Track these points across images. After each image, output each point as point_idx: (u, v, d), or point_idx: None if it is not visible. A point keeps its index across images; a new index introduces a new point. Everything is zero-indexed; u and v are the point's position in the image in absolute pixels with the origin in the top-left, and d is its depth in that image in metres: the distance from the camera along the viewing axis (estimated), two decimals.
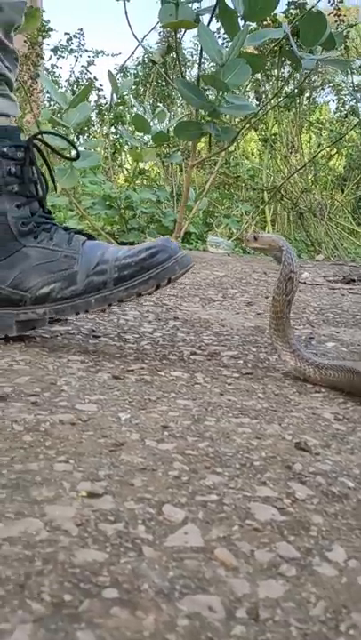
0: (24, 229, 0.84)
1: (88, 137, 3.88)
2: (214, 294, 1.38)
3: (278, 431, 0.59)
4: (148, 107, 2.91)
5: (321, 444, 0.56)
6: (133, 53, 3.77)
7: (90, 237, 0.87)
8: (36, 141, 0.87)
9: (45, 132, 0.90)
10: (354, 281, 1.79)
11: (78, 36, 3.95)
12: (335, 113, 5.21)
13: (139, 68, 4.41)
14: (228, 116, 3.02)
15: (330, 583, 0.36)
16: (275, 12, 2.33)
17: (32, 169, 0.86)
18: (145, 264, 0.79)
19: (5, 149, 0.84)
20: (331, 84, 5.19)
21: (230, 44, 1.98)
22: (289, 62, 3.48)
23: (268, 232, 3.16)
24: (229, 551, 0.38)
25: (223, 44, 2.71)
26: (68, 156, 0.94)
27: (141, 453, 0.51)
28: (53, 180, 0.90)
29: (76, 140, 3.25)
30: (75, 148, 0.91)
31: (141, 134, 2.68)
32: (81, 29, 3.97)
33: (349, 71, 4.05)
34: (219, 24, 2.27)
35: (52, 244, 0.83)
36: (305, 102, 4.39)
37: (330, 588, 0.35)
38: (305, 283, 1.70)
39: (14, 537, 0.38)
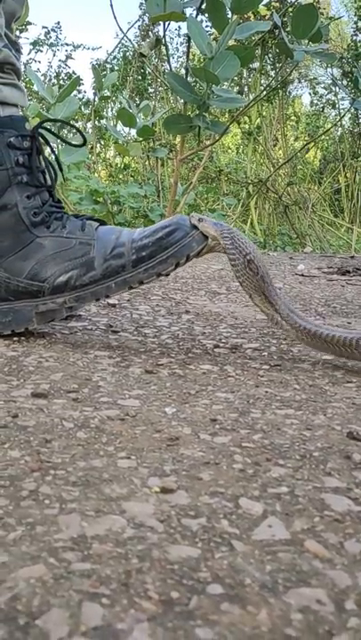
0: (36, 220, 0.83)
1: (70, 131, 3.84)
2: (218, 287, 1.38)
3: (326, 422, 0.58)
4: (133, 102, 2.89)
5: None
6: (118, 47, 3.73)
7: (102, 223, 0.86)
8: (41, 130, 0.85)
9: (50, 121, 0.89)
10: (349, 272, 1.80)
11: (56, 29, 3.91)
12: (311, 107, 5.24)
13: (114, 62, 4.39)
14: (213, 110, 3.01)
15: None
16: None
17: (39, 158, 0.85)
18: (162, 243, 0.78)
19: (12, 139, 0.82)
20: (306, 79, 5.22)
21: (220, 36, 1.98)
22: (273, 55, 3.49)
23: (253, 224, 3.17)
24: (318, 543, 0.38)
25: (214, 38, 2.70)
26: (75, 143, 0.92)
27: (199, 447, 0.51)
28: (61, 169, 0.89)
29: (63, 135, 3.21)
30: (81, 134, 0.90)
31: (127, 129, 2.66)
32: (58, 23, 3.94)
33: (328, 64, 4.07)
34: (201, 17, 2.26)
35: (65, 232, 0.82)
36: (286, 95, 4.41)
37: None
38: (302, 275, 1.70)
39: (102, 535, 0.37)
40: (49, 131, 0.89)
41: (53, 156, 0.94)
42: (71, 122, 3.90)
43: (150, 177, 3.25)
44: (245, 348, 0.85)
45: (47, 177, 0.86)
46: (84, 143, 0.94)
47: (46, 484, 0.43)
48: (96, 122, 3.54)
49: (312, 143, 4.23)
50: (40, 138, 0.85)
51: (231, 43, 2.30)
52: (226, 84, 2.22)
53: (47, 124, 0.86)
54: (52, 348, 0.78)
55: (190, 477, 0.45)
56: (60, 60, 3.92)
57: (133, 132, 2.60)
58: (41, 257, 0.81)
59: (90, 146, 3.52)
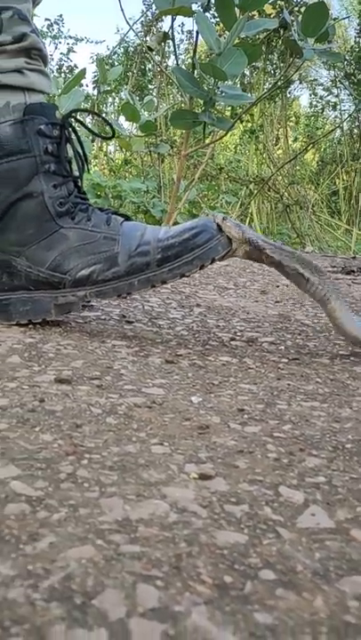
0: (61, 210, 0.81)
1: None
2: (226, 282, 1.37)
3: (353, 415, 0.58)
4: (135, 97, 2.88)
5: None
6: (120, 42, 3.71)
7: (127, 218, 0.85)
8: (70, 120, 0.84)
9: (80, 110, 0.87)
10: (353, 272, 1.80)
11: (58, 22, 3.90)
12: (310, 108, 5.25)
13: (114, 57, 4.37)
14: (218, 107, 3.01)
15: None
16: None
17: (67, 147, 0.84)
18: (189, 244, 0.77)
19: (42, 127, 0.81)
20: (306, 80, 5.22)
21: (228, 33, 1.97)
22: (278, 54, 3.49)
23: (253, 224, 3.17)
24: None
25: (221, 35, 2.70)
26: (103, 134, 0.91)
27: (231, 436, 0.50)
28: (87, 160, 0.88)
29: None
30: (110, 126, 0.89)
31: (129, 123, 2.65)
32: (61, 15, 3.92)
33: (331, 65, 4.08)
34: (207, 14, 2.26)
35: (90, 225, 0.81)
36: (286, 96, 4.41)
37: None
38: None
39: (146, 519, 0.36)
40: (79, 121, 0.87)
41: (80, 147, 0.93)
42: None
43: (151, 172, 3.24)
44: (261, 342, 0.85)
45: (74, 167, 0.85)
46: (113, 135, 0.93)
47: (83, 468, 0.42)
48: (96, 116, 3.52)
49: (311, 144, 4.24)
50: (69, 127, 0.84)
51: (237, 40, 2.30)
52: (230, 81, 2.21)
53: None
54: (68, 337, 0.77)
55: (226, 465, 0.44)
56: (61, 53, 3.91)
57: (135, 127, 2.59)
58: (64, 248, 0.80)
59: (98, 140, 3.51)
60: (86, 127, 0.89)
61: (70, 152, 0.86)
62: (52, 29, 3.78)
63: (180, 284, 1.29)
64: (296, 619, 0.29)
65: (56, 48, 3.93)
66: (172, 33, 2.25)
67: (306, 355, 0.80)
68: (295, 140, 4.96)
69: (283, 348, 0.82)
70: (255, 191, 2.99)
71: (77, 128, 0.94)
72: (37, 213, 0.80)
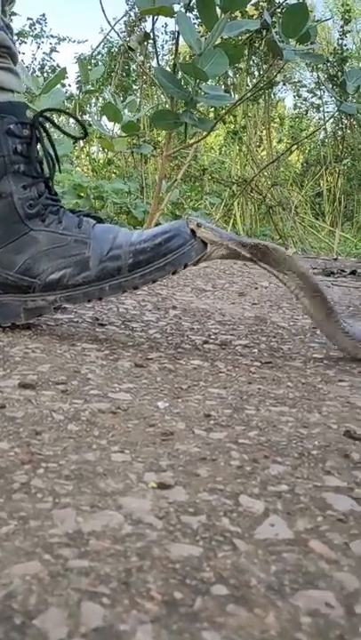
0: (31, 212, 0.80)
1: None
2: (204, 284, 1.36)
3: (322, 420, 0.57)
4: (118, 97, 2.87)
5: None
6: (103, 42, 3.69)
7: (99, 220, 0.84)
8: (41, 119, 0.83)
9: (51, 110, 0.86)
10: (334, 273, 1.80)
11: (41, 21, 3.87)
12: (294, 109, 5.25)
13: (98, 57, 4.35)
14: (201, 108, 3.00)
15: None
16: None
17: (38, 148, 0.82)
18: (161, 249, 0.76)
19: (12, 126, 0.79)
20: (291, 81, 5.23)
21: (209, 33, 1.97)
22: (260, 55, 3.48)
23: (237, 226, 3.16)
24: (323, 543, 0.36)
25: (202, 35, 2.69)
26: (75, 135, 0.89)
27: (195, 443, 0.49)
28: (58, 161, 0.86)
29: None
30: (82, 126, 0.87)
31: (112, 123, 2.64)
32: (44, 15, 3.89)
33: (314, 67, 4.08)
34: (189, 14, 2.25)
35: (60, 228, 0.80)
36: (270, 97, 4.41)
37: None
38: None
39: (98, 531, 0.35)
40: (50, 121, 0.86)
41: (51, 148, 0.91)
42: (53, 116, 3.86)
43: (135, 173, 3.22)
44: (235, 345, 0.84)
45: (45, 168, 0.84)
46: (86, 135, 0.92)
47: (38, 477, 0.41)
48: (79, 116, 3.50)
49: (295, 146, 4.24)
50: (40, 127, 0.83)
51: (219, 41, 2.29)
52: (212, 81, 2.20)
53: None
54: (38, 340, 0.76)
55: (187, 473, 0.43)
56: (44, 53, 3.88)
57: (117, 127, 2.58)
58: (34, 252, 0.78)
59: (72, 140, 3.49)
60: (57, 126, 0.87)
61: (42, 152, 0.85)
62: (35, 28, 3.76)
63: (157, 285, 1.28)
64: (245, 636, 0.28)
65: (39, 47, 3.91)
66: (154, 33, 2.24)
67: (279, 358, 0.79)
68: (280, 141, 4.96)
69: (256, 351, 0.82)
70: (238, 192, 2.98)
71: (51, 128, 0.93)
72: (6, 215, 0.79)
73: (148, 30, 2.32)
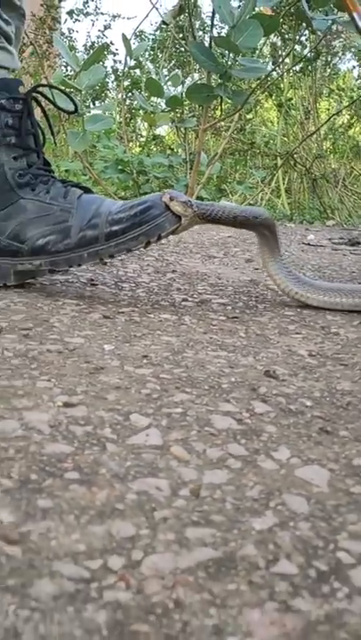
0: (21, 181, 0.87)
1: (103, 102, 3.89)
2: (216, 252, 1.42)
3: (252, 363, 0.63)
4: (165, 71, 2.92)
5: (289, 373, 0.60)
6: (148, 16, 3.73)
7: (87, 191, 0.90)
8: (37, 95, 0.90)
9: (43, 85, 0.93)
10: (359, 243, 1.81)
11: None
12: (358, 80, 5.14)
13: (157, 32, 4.39)
14: (245, 82, 3.02)
15: (269, 474, 0.40)
16: None
17: (30, 121, 0.89)
18: (136, 220, 0.82)
19: (3, 102, 0.87)
20: (353, 50, 5.11)
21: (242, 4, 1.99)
22: (306, 25, 3.44)
23: (281, 199, 3.18)
24: (184, 449, 0.42)
25: (239, 6, 2.70)
26: (67, 109, 0.96)
27: (119, 376, 0.56)
28: (53, 134, 0.94)
29: (91, 105, 3.27)
30: (72, 101, 0.94)
31: (157, 99, 2.69)
32: None
33: None
34: None
35: (48, 198, 0.87)
36: (326, 69, 4.34)
37: (268, 477, 0.40)
38: (308, 244, 1.72)
39: None
40: (45, 96, 0.93)
41: (46, 120, 0.99)
42: (103, 92, 3.92)
43: (180, 147, 3.27)
44: (213, 303, 0.89)
45: (37, 140, 0.91)
46: (76, 110, 0.99)
47: None
48: (130, 93, 3.57)
49: (354, 118, 4.17)
50: (34, 101, 0.90)
51: (267, 11, 2.29)
52: (251, 54, 2.23)
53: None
54: (25, 295, 0.84)
55: (97, 397, 0.50)
56: (98, 30, 3.95)
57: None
58: (23, 219, 0.86)
59: (129, 117, 3.56)
60: (51, 101, 0.94)
61: (45, 125, 0.92)
62: (88, 6, 3.84)
63: (170, 252, 1.34)
64: (73, 504, 0.35)
65: (93, 25, 3.98)
66: (190, 6, 2.27)
67: (248, 314, 0.84)
68: (339, 113, 4.88)
69: (230, 308, 0.87)
70: (280, 165, 2.99)
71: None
72: None
73: (191, 2, 2.36)
